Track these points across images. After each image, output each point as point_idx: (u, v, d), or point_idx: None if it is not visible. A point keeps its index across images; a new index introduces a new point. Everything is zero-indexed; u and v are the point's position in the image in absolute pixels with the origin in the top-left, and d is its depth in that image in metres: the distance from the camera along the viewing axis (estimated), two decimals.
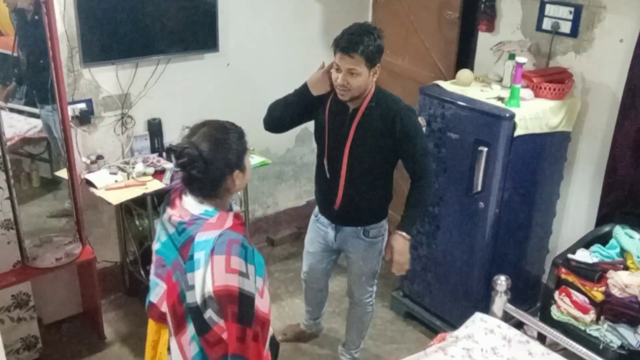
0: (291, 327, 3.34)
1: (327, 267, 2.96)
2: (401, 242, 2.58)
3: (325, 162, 2.63)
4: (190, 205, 1.75)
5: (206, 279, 1.65)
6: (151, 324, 2.02)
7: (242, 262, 1.67)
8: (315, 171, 2.75)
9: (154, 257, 1.84)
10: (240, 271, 1.66)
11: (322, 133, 2.61)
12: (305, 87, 2.56)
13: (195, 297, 1.67)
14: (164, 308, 1.82)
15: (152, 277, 1.86)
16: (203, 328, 1.68)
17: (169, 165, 3.26)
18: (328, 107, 2.56)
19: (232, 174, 1.74)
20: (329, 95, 2.55)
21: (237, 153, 1.74)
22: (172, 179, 3.18)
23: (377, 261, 2.78)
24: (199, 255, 1.67)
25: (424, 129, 3.07)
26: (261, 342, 1.74)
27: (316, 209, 2.84)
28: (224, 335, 1.67)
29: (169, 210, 1.79)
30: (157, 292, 1.85)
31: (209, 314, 1.66)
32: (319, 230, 2.83)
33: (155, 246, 1.82)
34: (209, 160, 1.68)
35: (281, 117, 2.61)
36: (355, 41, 2.34)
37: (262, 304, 1.73)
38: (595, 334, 2.57)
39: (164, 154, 3.40)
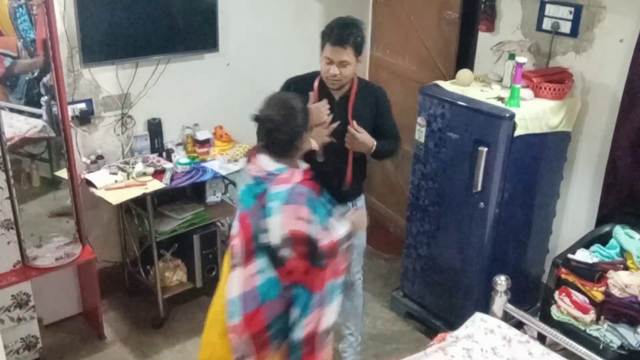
0: None
1: None
2: (367, 136, 2.61)
3: (322, 152, 2.64)
4: (265, 163, 2.11)
5: (280, 224, 2.03)
6: (227, 259, 2.30)
7: (308, 211, 2.03)
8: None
9: (234, 227, 2.20)
10: (307, 219, 2.02)
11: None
12: None
13: (269, 238, 2.06)
14: (235, 241, 2.17)
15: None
16: (278, 262, 2.09)
17: (169, 165, 3.26)
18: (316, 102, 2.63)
19: (302, 135, 2.14)
20: (307, 94, 2.62)
21: (304, 117, 2.14)
22: (172, 179, 3.18)
23: (364, 233, 2.85)
24: (273, 205, 2.04)
25: (423, 129, 3.09)
26: (327, 271, 2.11)
27: None
28: (294, 268, 2.08)
29: (247, 165, 2.17)
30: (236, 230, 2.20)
31: (283, 252, 2.06)
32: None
33: (238, 193, 2.25)
34: (288, 125, 2.08)
35: None
36: (347, 34, 2.51)
37: (327, 238, 2.06)
38: (595, 334, 2.57)
39: (164, 154, 3.40)
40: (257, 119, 2.13)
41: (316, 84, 2.63)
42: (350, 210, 2.76)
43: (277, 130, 2.08)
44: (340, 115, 2.60)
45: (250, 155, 2.20)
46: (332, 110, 2.58)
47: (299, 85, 2.65)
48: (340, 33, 2.52)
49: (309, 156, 2.68)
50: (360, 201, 2.84)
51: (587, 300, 2.61)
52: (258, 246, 2.11)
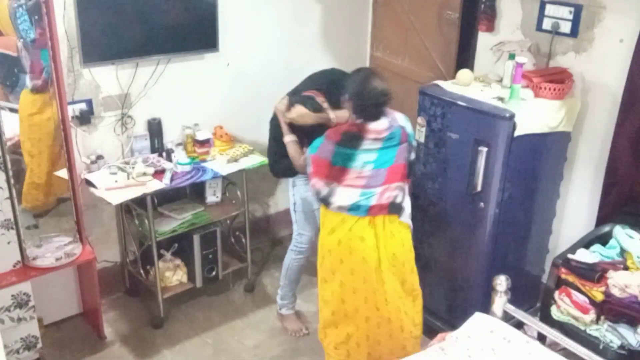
0: (294, 322, 3.40)
1: None
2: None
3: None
4: (379, 125, 2.55)
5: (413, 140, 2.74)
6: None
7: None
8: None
9: (367, 173, 2.56)
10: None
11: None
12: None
13: (413, 155, 2.74)
14: (382, 200, 2.60)
15: (365, 190, 2.58)
16: (409, 173, 2.73)
17: (169, 165, 3.26)
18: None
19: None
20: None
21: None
22: (172, 179, 3.18)
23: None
24: (409, 130, 2.69)
25: (423, 129, 3.09)
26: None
27: (299, 176, 3.03)
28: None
29: (365, 140, 2.54)
30: (375, 195, 2.59)
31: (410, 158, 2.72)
32: None
33: (369, 167, 2.56)
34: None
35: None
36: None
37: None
38: (595, 334, 2.57)
39: (164, 154, 3.40)
40: (388, 94, 2.55)
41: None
42: None
43: None
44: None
45: (362, 129, 2.57)
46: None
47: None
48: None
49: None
50: None
51: (587, 300, 2.61)
52: (406, 166, 2.77)
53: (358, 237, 2.61)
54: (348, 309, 2.70)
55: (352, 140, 2.55)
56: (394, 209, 2.65)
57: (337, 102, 2.76)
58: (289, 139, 2.86)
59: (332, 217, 2.66)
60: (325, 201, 2.63)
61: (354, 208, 2.60)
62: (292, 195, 3.16)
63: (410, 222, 2.74)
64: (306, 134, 2.85)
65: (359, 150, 2.55)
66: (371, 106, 2.53)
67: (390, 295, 2.68)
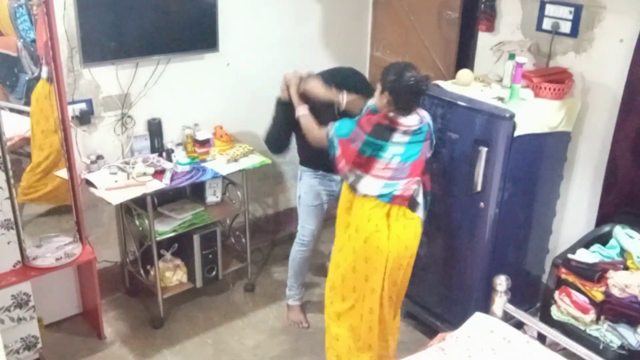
0: (298, 314, 3.48)
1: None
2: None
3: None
4: (410, 120, 2.60)
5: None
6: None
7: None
8: (305, 145, 3.01)
9: (394, 166, 2.61)
10: None
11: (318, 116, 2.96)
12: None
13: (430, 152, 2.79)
14: (405, 192, 2.68)
15: (389, 182, 2.64)
16: (426, 169, 2.77)
17: (169, 165, 3.26)
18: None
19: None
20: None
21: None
22: (172, 179, 3.18)
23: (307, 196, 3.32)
24: (432, 128, 2.74)
25: None
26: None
27: (304, 168, 3.25)
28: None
29: (396, 133, 2.58)
30: (399, 187, 2.65)
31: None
32: (322, 180, 3.23)
33: (396, 159, 2.60)
34: None
35: (285, 140, 3.13)
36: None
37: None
38: (595, 334, 2.57)
39: (164, 154, 3.40)
40: (428, 81, 2.62)
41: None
42: None
43: None
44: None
45: (395, 122, 2.61)
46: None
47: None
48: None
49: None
50: None
51: (587, 300, 2.61)
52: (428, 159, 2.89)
53: (374, 225, 2.67)
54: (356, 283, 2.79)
55: (384, 132, 2.59)
56: (413, 203, 2.72)
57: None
58: (302, 111, 2.92)
59: (350, 196, 2.76)
60: (352, 187, 2.71)
61: (379, 196, 2.66)
62: (298, 188, 3.30)
63: (422, 216, 2.78)
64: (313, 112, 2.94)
65: (390, 142, 2.59)
66: (410, 94, 2.58)
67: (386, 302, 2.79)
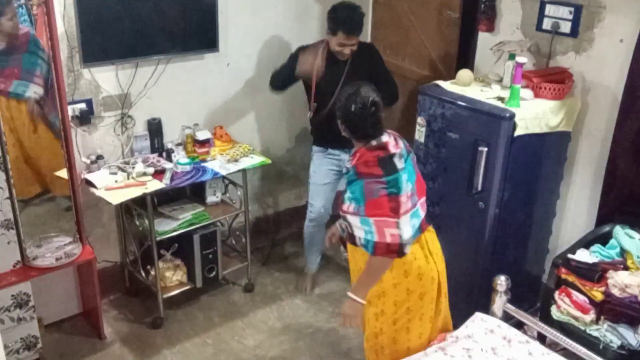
0: (304, 281, 3.73)
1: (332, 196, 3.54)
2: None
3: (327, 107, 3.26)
4: (387, 138, 2.37)
5: None
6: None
7: None
8: (316, 122, 3.42)
9: (410, 192, 2.35)
10: None
11: (327, 88, 3.26)
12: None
13: None
14: (423, 213, 2.48)
15: (413, 210, 2.38)
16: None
17: (169, 165, 3.26)
18: (324, 69, 3.28)
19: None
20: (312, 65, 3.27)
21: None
22: (172, 179, 3.18)
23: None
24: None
25: (423, 129, 3.10)
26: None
27: (316, 148, 3.51)
28: None
29: (394, 158, 2.32)
30: (419, 212, 2.44)
31: None
32: (332, 160, 3.47)
33: (410, 184, 2.36)
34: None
35: (283, 84, 3.43)
36: (359, 25, 3.20)
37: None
38: (595, 334, 2.57)
39: (164, 154, 3.40)
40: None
41: (323, 52, 3.26)
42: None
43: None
44: (340, 73, 3.27)
45: (396, 138, 2.43)
46: (338, 71, 3.26)
47: (308, 50, 3.32)
48: (354, 25, 3.16)
49: (321, 120, 3.34)
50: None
51: (587, 300, 2.61)
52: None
53: (420, 260, 2.43)
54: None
55: (389, 164, 2.30)
56: (428, 218, 2.53)
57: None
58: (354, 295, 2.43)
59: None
60: (400, 253, 2.31)
61: (414, 235, 2.37)
62: (311, 166, 3.57)
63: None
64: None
65: (400, 170, 2.32)
66: (365, 121, 2.30)
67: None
